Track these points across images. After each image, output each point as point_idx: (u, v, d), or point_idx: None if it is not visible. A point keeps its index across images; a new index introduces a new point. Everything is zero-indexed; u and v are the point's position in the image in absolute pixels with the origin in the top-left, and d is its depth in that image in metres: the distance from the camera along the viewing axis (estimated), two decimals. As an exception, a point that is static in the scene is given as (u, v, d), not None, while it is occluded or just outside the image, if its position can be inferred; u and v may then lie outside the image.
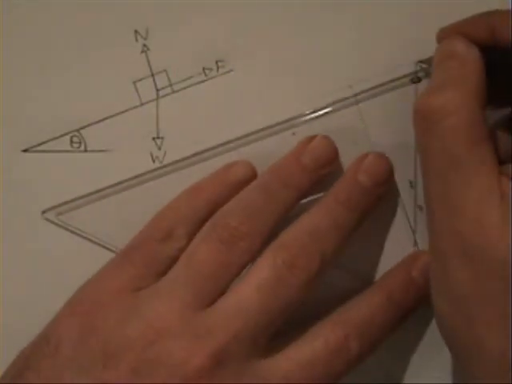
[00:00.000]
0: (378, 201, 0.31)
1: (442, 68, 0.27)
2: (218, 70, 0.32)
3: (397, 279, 0.32)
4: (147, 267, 0.30)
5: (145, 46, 0.32)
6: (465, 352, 0.26)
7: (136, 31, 0.32)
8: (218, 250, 0.29)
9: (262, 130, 0.32)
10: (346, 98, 0.32)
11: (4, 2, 0.32)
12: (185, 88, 0.32)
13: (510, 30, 0.27)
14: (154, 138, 0.33)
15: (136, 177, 0.33)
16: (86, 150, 0.33)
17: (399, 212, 0.33)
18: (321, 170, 0.31)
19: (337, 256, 0.30)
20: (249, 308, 0.28)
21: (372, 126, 0.32)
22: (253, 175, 0.32)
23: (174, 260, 0.30)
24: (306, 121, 0.32)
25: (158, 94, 0.32)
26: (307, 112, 0.32)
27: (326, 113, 0.32)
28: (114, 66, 0.32)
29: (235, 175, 0.32)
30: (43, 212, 0.33)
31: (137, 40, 0.32)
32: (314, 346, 0.29)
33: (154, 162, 0.33)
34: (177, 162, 0.33)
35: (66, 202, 0.33)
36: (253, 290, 0.29)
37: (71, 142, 0.33)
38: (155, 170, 0.33)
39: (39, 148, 0.33)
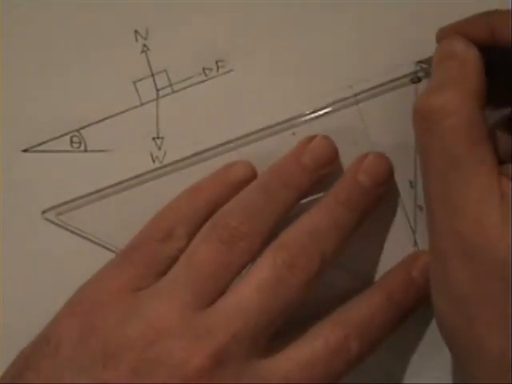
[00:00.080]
0: (378, 201, 0.31)
1: (442, 68, 0.27)
2: (218, 70, 0.32)
3: (397, 279, 0.32)
4: (147, 267, 0.30)
5: (145, 45, 0.32)
6: (465, 352, 0.26)
7: (136, 31, 0.32)
8: (218, 250, 0.29)
9: (262, 129, 0.32)
10: (346, 98, 0.32)
11: (4, 2, 0.32)
12: (185, 88, 0.32)
13: (509, 30, 0.27)
14: (153, 138, 0.33)
15: (136, 177, 0.33)
16: (86, 150, 0.33)
17: (399, 212, 0.33)
18: (321, 170, 0.31)
19: (337, 256, 0.30)
20: (249, 308, 0.28)
21: (372, 126, 0.32)
22: (253, 175, 0.32)
23: (174, 260, 0.30)
24: (306, 121, 0.32)
25: (157, 94, 0.32)
26: (307, 112, 0.32)
27: (326, 113, 0.32)
28: (114, 66, 0.32)
29: (235, 175, 0.32)
30: (43, 212, 0.33)
31: (137, 40, 0.32)
32: (314, 346, 0.29)
33: (154, 162, 0.33)
34: (177, 161, 0.33)
35: (65, 202, 0.33)
36: (253, 290, 0.29)
37: (71, 141, 0.33)
38: (155, 170, 0.33)
39: (39, 148, 0.33)
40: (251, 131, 0.32)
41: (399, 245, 0.33)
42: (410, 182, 0.33)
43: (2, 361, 0.30)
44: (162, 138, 0.33)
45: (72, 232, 0.33)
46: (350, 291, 0.32)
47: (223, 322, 0.28)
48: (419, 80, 0.32)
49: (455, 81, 0.26)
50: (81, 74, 0.32)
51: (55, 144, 0.33)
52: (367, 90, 0.32)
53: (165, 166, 0.33)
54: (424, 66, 0.32)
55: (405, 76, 0.32)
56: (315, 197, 0.31)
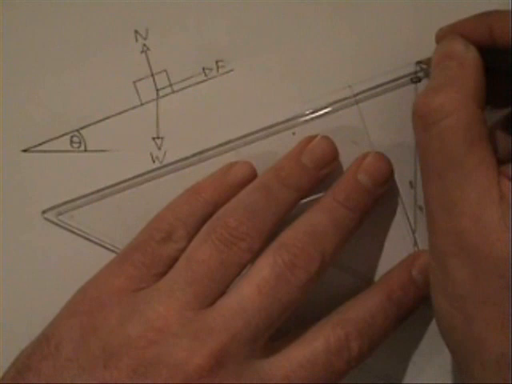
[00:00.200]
0: (378, 201, 0.31)
1: (441, 68, 0.27)
2: (218, 70, 0.32)
3: (397, 279, 0.32)
4: (147, 267, 0.30)
5: (145, 45, 0.32)
6: (464, 351, 0.26)
7: (136, 31, 0.32)
8: (218, 250, 0.29)
9: (262, 129, 0.32)
10: (346, 98, 0.32)
11: (4, 2, 0.32)
12: (185, 88, 0.32)
13: (508, 30, 0.27)
14: (153, 138, 0.33)
15: (136, 177, 0.33)
16: (85, 150, 0.33)
17: (399, 212, 0.33)
18: (321, 170, 0.31)
19: (337, 256, 0.30)
20: (249, 308, 0.28)
21: (372, 126, 0.32)
22: (253, 175, 0.32)
23: (174, 260, 0.30)
24: (306, 121, 0.32)
25: (157, 94, 0.32)
26: (307, 112, 0.32)
27: (326, 113, 0.32)
28: (114, 66, 0.32)
29: (235, 175, 0.32)
30: (43, 212, 0.33)
31: (137, 40, 0.32)
32: (314, 346, 0.29)
33: (154, 162, 0.33)
34: (177, 161, 0.33)
35: (65, 202, 0.33)
36: (253, 290, 0.29)
37: (71, 141, 0.33)
38: (155, 169, 0.33)
39: (39, 148, 0.33)
40: (251, 131, 0.32)
41: (399, 245, 0.33)
42: (410, 182, 0.33)
43: (2, 361, 0.30)
44: (162, 138, 0.33)
45: (72, 232, 0.33)
46: (350, 291, 0.32)
47: (224, 322, 0.28)
48: (419, 80, 0.32)
49: (454, 81, 0.26)
50: (81, 73, 0.32)
51: (55, 144, 0.33)
52: (367, 90, 0.32)
53: (165, 166, 0.33)
54: (424, 66, 0.32)
55: (405, 76, 0.32)
56: (315, 197, 0.31)
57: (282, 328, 0.30)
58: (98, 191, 0.33)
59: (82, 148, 0.33)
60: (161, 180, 0.33)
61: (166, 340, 0.28)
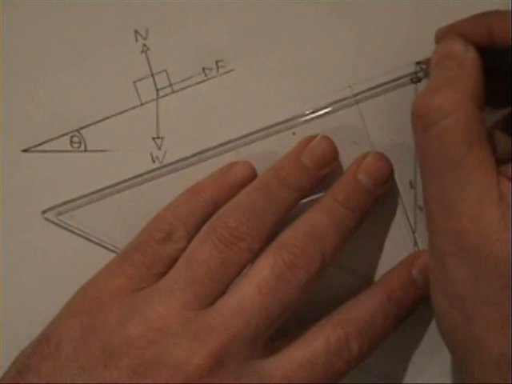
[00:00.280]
0: (378, 201, 0.31)
1: (440, 68, 0.27)
2: (218, 70, 0.32)
3: (397, 279, 0.32)
4: (147, 267, 0.30)
5: (145, 45, 0.32)
6: (464, 351, 0.26)
7: (136, 31, 0.32)
8: (218, 250, 0.29)
9: (262, 129, 0.32)
10: (346, 98, 0.32)
11: (4, 2, 0.32)
12: (185, 88, 0.32)
13: (507, 31, 0.27)
14: (153, 138, 0.33)
15: (136, 177, 0.33)
16: (85, 150, 0.33)
17: (399, 212, 0.33)
18: (321, 170, 0.31)
19: (337, 256, 0.30)
20: (249, 308, 0.28)
21: (372, 126, 0.32)
22: (253, 175, 0.32)
23: (174, 260, 0.30)
24: (306, 121, 0.32)
25: (157, 94, 0.32)
26: (307, 112, 0.32)
27: (326, 113, 0.32)
28: (114, 65, 0.32)
29: (235, 175, 0.32)
30: (43, 212, 0.33)
31: (137, 40, 0.32)
32: (314, 345, 0.29)
33: (154, 162, 0.33)
34: (177, 161, 0.33)
35: (65, 202, 0.33)
36: (253, 290, 0.29)
37: (71, 141, 0.33)
38: (155, 169, 0.33)
39: (39, 148, 0.33)
40: (251, 131, 0.32)
41: (399, 245, 0.33)
42: (410, 182, 0.33)
43: (2, 361, 0.30)
44: (162, 138, 0.33)
45: (72, 232, 0.33)
46: (350, 291, 0.32)
47: (224, 322, 0.28)
48: (419, 80, 0.32)
49: (453, 81, 0.26)
50: (81, 73, 0.32)
51: (55, 144, 0.33)
52: (367, 90, 0.32)
53: (165, 166, 0.33)
54: (423, 66, 0.32)
55: (405, 76, 0.32)
56: (315, 197, 0.31)
57: (282, 328, 0.30)
58: (98, 191, 0.33)
59: (82, 148, 0.33)
60: (161, 180, 0.33)
61: (166, 340, 0.28)
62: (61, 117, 0.32)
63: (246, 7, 0.32)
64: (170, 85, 0.32)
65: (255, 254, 0.30)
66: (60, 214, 0.33)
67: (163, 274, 0.30)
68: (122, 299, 0.29)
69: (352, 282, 0.33)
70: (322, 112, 0.32)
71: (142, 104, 0.32)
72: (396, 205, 0.33)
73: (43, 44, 0.32)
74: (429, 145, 0.26)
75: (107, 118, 0.32)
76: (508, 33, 0.27)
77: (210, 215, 0.31)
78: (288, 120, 0.32)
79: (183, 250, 0.30)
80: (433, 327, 0.33)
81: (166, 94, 0.32)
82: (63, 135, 0.33)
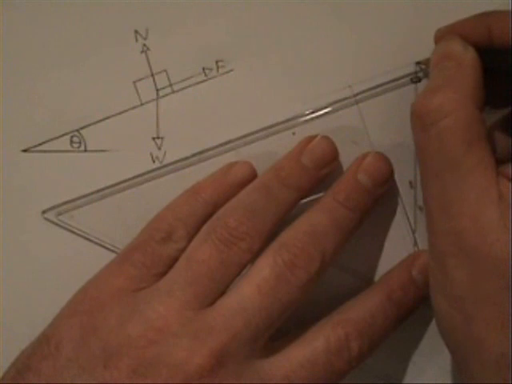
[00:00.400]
0: (378, 201, 0.31)
1: (439, 69, 0.27)
2: (218, 70, 0.32)
3: (397, 279, 0.32)
4: (147, 267, 0.30)
5: (145, 45, 0.32)
6: (464, 351, 0.26)
7: (136, 31, 0.32)
8: (218, 250, 0.29)
9: (262, 129, 0.32)
10: (346, 98, 0.32)
11: (4, 2, 0.32)
12: (185, 88, 0.32)
13: (507, 31, 0.27)
14: (153, 138, 0.33)
15: (136, 177, 0.33)
16: (85, 150, 0.33)
17: (399, 212, 0.33)
18: (321, 170, 0.31)
19: (337, 256, 0.30)
20: (249, 308, 0.28)
21: (372, 126, 0.32)
22: (253, 175, 0.32)
23: (174, 260, 0.30)
24: (306, 121, 0.32)
25: (157, 94, 0.32)
26: (307, 112, 0.32)
27: (326, 113, 0.32)
28: (114, 66, 0.32)
29: (235, 175, 0.32)
30: (43, 212, 0.33)
31: (137, 40, 0.32)
32: (314, 345, 0.29)
33: (154, 162, 0.33)
34: (177, 161, 0.33)
35: (65, 202, 0.33)
36: (253, 290, 0.29)
37: (71, 141, 0.33)
38: (155, 169, 0.33)
39: (39, 148, 0.33)
40: (251, 131, 0.32)
41: (399, 245, 0.33)
42: (410, 182, 0.33)
43: (2, 361, 0.30)
44: (162, 138, 0.33)
45: (72, 232, 0.33)
46: (350, 291, 0.32)
47: (224, 322, 0.28)
48: (419, 80, 0.32)
49: (452, 81, 0.26)
50: (81, 73, 0.32)
51: (55, 144, 0.33)
52: (367, 90, 0.32)
53: (165, 166, 0.33)
54: (423, 66, 0.32)
55: (405, 76, 0.32)
56: (315, 197, 0.31)
57: (282, 328, 0.30)
58: (98, 191, 0.33)
59: (82, 148, 0.33)
60: (161, 180, 0.33)
61: (166, 340, 0.28)
62: (61, 117, 0.32)
63: (246, 7, 0.32)
64: (170, 85, 0.32)
65: (255, 254, 0.30)
66: (60, 214, 0.33)
67: (163, 274, 0.30)
68: (122, 299, 0.29)
69: (352, 282, 0.33)
70: (322, 112, 0.32)
71: (141, 104, 0.32)
72: (396, 205, 0.33)
73: (43, 44, 0.32)
74: (428, 145, 0.26)
75: (107, 118, 0.32)
76: (508, 33, 0.27)
77: (209, 215, 0.31)
78: (288, 120, 0.32)
79: (183, 250, 0.30)
80: (433, 327, 0.33)
81: (166, 94, 0.32)
82: (63, 135, 0.33)
